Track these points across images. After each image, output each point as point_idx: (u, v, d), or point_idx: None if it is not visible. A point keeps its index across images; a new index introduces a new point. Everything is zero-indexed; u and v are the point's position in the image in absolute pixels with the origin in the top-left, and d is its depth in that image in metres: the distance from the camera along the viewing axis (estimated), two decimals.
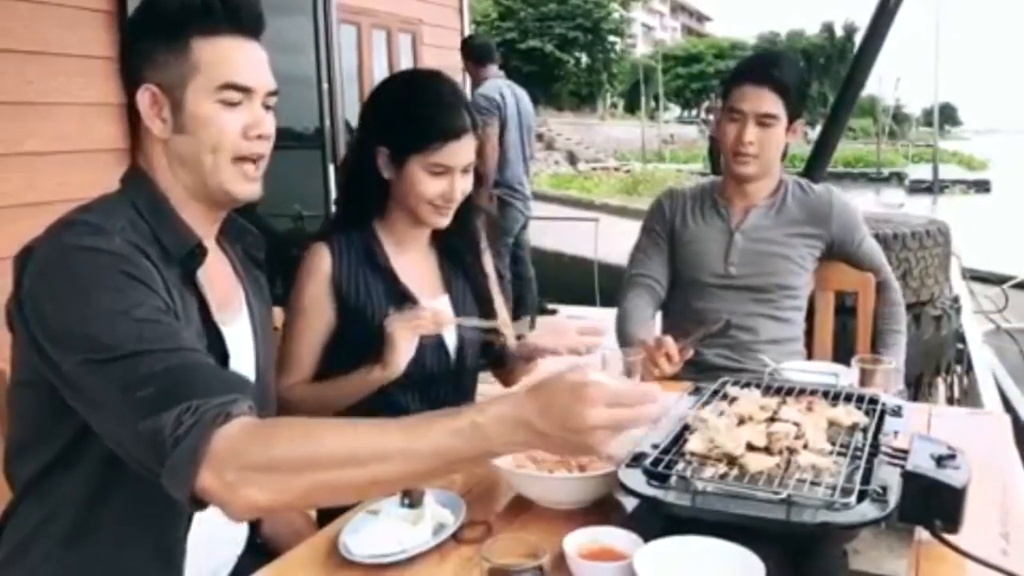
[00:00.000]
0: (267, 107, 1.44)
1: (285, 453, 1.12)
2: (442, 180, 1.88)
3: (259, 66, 1.43)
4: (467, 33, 7.13)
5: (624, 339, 2.41)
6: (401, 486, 1.35)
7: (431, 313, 1.85)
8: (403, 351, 1.80)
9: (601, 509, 1.45)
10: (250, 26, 1.42)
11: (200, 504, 1.14)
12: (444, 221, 1.95)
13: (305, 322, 1.93)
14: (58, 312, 1.24)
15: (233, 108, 1.39)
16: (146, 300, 1.25)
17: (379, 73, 6.31)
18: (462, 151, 1.89)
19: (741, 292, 2.50)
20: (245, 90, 1.39)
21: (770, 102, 2.43)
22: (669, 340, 2.10)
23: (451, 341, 2.01)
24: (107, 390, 1.20)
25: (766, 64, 2.49)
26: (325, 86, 4.23)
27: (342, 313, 1.93)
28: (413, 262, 2.01)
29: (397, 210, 1.97)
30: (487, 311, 2.09)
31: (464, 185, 1.93)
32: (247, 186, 1.43)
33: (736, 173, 2.51)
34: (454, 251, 2.07)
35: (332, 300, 1.92)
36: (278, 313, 1.87)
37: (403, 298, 1.94)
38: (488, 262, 2.15)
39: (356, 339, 1.91)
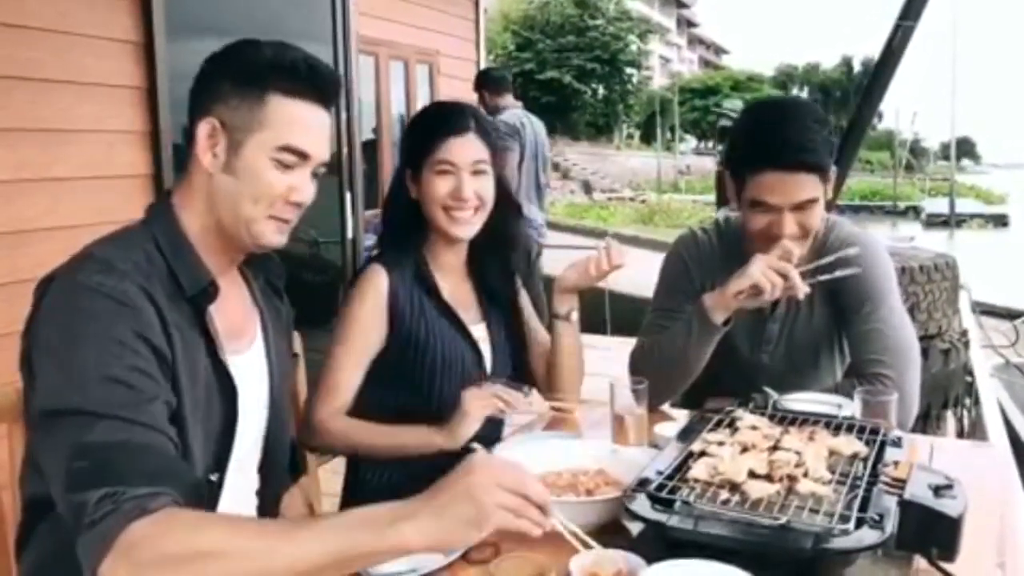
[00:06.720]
0: (315, 175, 1.48)
1: (173, 548, 1.13)
2: (449, 179, 1.94)
3: (322, 136, 1.47)
4: (483, 64, 7.23)
5: (638, 371, 2.04)
6: None
7: (509, 396, 1.84)
8: (472, 426, 1.82)
9: (607, 532, 1.47)
10: (327, 96, 1.47)
11: None
12: (462, 230, 1.98)
13: (353, 346, 1.95)
14: (46, 352, 1.28)
15: (285, 170, 1.43)
16: (127, 358, 1.27)
17: (396, 102, 6.41)
18: (465, 148, 1.95)
19: (774, 376, 2.10)
20: (302, 155, 1.43)
21: (807, 186, 1.91)
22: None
23: (488, 360, 2.08)
24: (53, 445, 1.23)
25: (793, 146, 1.89)
26: (343, 114, 4.29)
27: (392, 336, 1.96)
28: (455, 287, 2.07)
29: (432, 232, 2.02)
30: (519, 346, 2.16)
31: (476, 186, 1.96)
32: (277, 237, 1.47)
33: None
34: (491, 285, 2.13)
35: (386, 321, 1.95)
36: (296, 338, 1.92)
37: (452, 321, 2.01)
38: (525, 298, 2.21)
39: (399, 366, 1.96)
